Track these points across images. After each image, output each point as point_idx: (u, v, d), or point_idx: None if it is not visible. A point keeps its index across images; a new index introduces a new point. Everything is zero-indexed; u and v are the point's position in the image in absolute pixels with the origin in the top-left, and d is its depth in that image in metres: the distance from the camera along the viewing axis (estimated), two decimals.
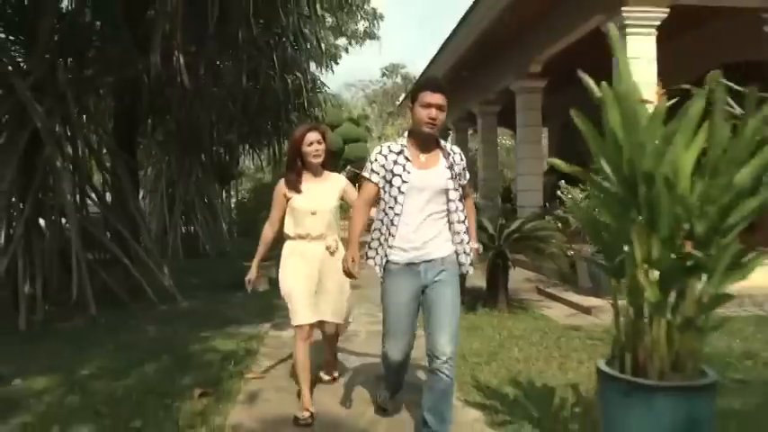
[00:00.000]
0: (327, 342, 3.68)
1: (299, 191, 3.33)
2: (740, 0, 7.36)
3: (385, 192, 2.70)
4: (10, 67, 6.15)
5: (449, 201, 2.69)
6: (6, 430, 3.01)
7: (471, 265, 2.80)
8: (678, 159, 1.90)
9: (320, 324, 3.41)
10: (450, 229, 2.72)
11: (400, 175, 2.66)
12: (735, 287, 2.02)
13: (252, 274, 3.42)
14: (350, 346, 4.65)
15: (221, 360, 4.18)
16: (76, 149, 6.37)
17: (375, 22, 9.70)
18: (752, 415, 3.10)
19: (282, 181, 3.40)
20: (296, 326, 3.24)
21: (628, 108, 1.98)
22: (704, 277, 1.96)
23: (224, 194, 16.28)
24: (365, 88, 36.84)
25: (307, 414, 3.12)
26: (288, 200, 3.33)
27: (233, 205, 18.16)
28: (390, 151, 2.72)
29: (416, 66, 45.40)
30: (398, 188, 2.65)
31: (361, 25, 9.52)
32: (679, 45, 8.54)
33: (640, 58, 7.01)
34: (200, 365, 4.08)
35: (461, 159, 2.80)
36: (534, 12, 8.71)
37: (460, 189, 2.76)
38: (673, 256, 1.91)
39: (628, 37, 7.08)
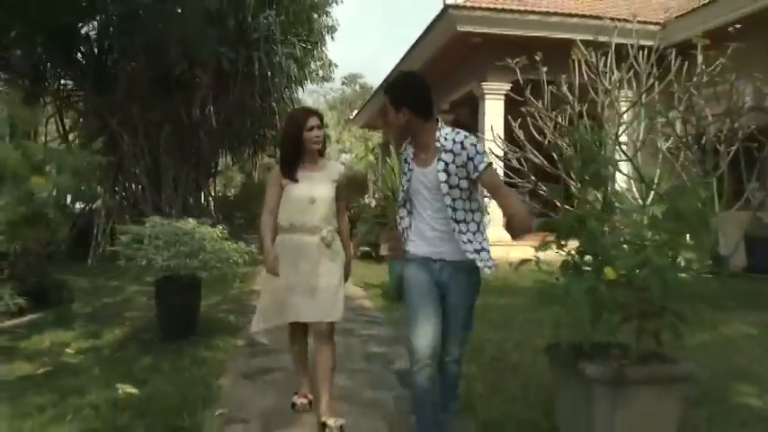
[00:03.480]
0: (321, 353, 3.04)
1: (295, 179, 3.08)
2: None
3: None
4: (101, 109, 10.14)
5: (443, 197, 2.56)
6: None
7: (491, 264, 2.60)
8: None
9: (309, 327, 3.13)
10: (455, 230, 2.57)
11: (405, 174, 2.68)
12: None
13: (269, 262, 3.05)
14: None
15: (243, 273, 8.33)
16: (144, 161, 10.39)
17: (330, 68, 13.34)
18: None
19: (277, 168, 3.19)
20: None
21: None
22: None
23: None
24: (326, 94, 38.85)
25: (305, 400, 3.21)
26: (284, 188, 3.09)
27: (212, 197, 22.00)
28: (404, 150, 2.74)
29: (377, 75, 47.13)
30: (405, 187, 2.68)
31: (320, 72, 13.06)
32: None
33: (494, 114, 11.34)
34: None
35: (462, 149, 2.52)
36: (446, 69, 12.92)
37: (465, 183, 2.56)
38: None
39: (486, 100, 11.43)
